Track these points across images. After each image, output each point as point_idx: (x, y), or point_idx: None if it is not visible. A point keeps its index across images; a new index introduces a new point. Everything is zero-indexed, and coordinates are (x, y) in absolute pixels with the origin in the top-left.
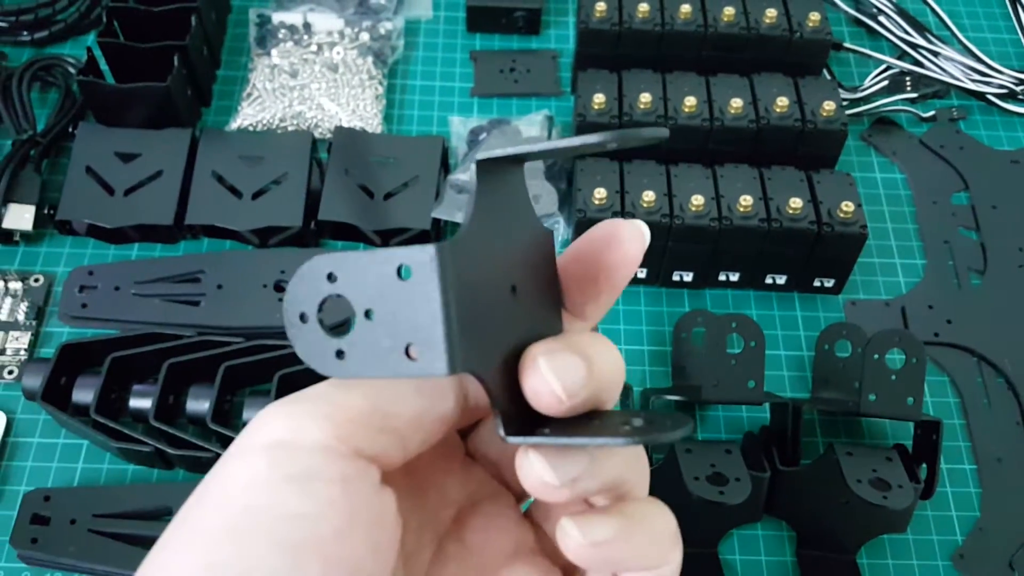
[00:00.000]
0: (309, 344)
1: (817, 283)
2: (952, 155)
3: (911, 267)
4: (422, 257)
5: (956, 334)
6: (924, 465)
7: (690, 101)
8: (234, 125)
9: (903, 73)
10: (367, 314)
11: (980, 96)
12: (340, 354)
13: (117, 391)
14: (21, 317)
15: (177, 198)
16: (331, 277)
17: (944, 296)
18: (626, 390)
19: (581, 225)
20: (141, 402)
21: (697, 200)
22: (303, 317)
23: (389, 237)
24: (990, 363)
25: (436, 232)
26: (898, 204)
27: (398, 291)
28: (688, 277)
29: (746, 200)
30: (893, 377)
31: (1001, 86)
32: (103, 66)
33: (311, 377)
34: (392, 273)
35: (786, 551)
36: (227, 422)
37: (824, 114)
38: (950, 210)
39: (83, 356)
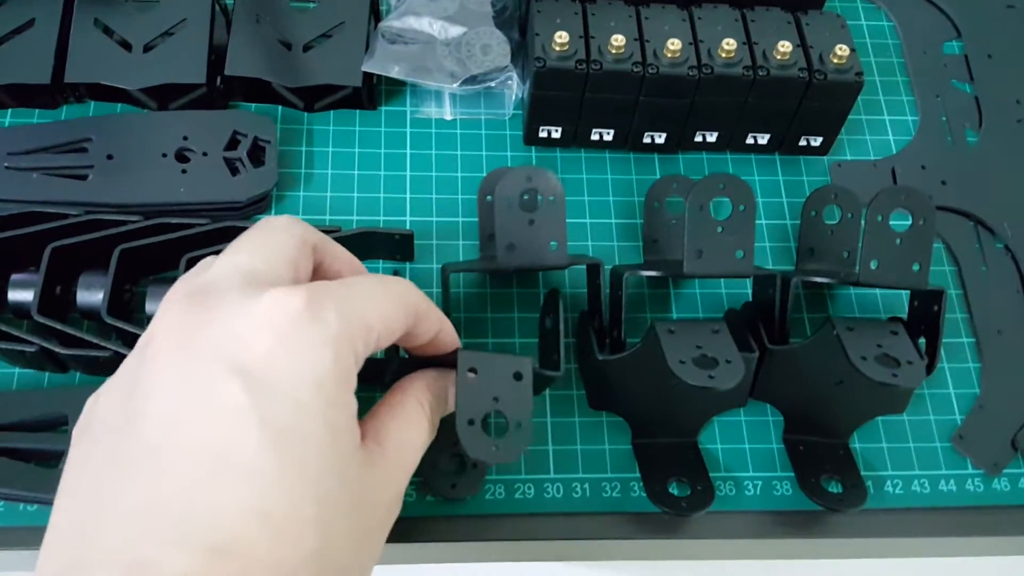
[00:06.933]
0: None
1: (803, 142)
2: None
3: (901, 124)
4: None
5: (951, 196)
6: (922, 340)
7: None
8: None
9: None
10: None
11: None
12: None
13: None
14: None
15: (54, 53)
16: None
17: (938, 155)
18: (595, 268)
19: (541, 76)
20: (21, 294)
21: (673, 45)
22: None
23: (312, 96)
24: (988, 228)
25: (368, 89)
26: (886, 55)
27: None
28: (660, 139)
29: (729, 44)
30: (898, 241)
31: None
32: None
33: None
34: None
35: (772, 438)
36: (127, 315)
37: None
38: (942, 60)
39: None
